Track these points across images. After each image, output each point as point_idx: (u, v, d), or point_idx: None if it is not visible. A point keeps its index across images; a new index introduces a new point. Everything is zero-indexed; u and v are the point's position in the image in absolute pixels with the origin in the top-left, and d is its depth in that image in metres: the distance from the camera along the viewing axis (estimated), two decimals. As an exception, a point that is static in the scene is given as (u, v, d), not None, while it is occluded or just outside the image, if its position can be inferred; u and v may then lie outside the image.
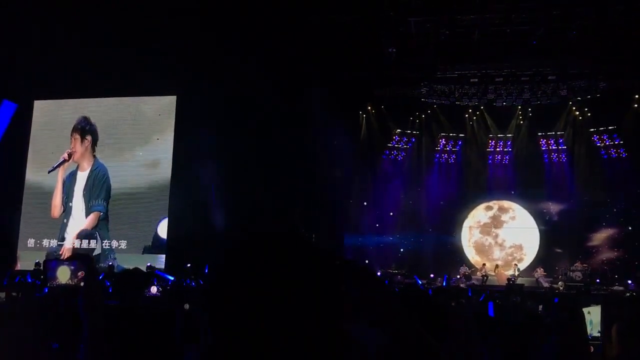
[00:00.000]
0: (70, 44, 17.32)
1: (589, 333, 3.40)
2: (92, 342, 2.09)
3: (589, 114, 20.61)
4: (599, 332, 3.04)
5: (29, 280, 10.29)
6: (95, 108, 20.98)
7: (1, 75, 18.34)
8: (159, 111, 20.69)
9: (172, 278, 14.86)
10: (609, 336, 2.46)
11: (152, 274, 16.05)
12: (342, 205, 21.10)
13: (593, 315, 3.07)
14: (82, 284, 2.13)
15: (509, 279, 18.55)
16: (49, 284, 2.16)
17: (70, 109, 21.25)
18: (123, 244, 19.90)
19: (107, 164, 20.58)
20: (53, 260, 2.20)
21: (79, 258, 2.21)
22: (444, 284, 17.64)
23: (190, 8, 16.27)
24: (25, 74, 18.73)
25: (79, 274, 2.15)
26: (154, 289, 7.40)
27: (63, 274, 2.15)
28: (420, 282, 18.24)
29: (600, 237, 20.39)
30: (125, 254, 19.61)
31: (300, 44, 17.48)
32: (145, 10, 15.77)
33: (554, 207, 21.42)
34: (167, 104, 20.57)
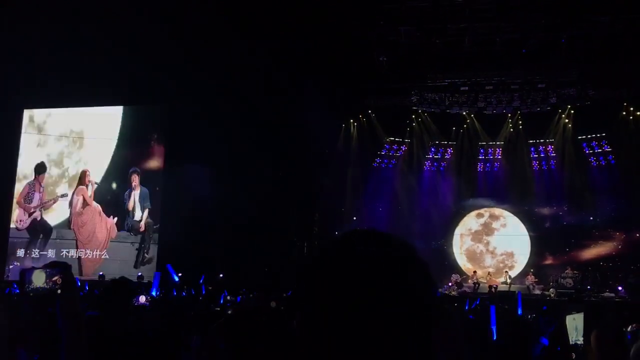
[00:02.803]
0: (61, 54, 17.31)
1: (574, 339, 3.42)
2: (71, 351, 2.08)
3: (578, 122, 20.74)
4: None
5: (16, 291, 10.21)
6: (85, 116, 20.98)
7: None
8: (151, 119, 20.73)
9: (177, 279, 14.79)
10: (589, 343, 2.49)
11: (139, 282, 15.96)
12: (333, 213, 21.10)
13: (578, 322, 3.09)
14: (59, 291, 2.11)
15: (490, 287, 18.61)
16: (25, 288, 2.14)
17: (62, 118, 21.29)
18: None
19: (99, 171, 20.62)
20: (30, 268, 2.19)
21: (57, 265, 2.20)
22: None
23: (186, 18, 16.32)
24: (18, 83, 18.71)
25: (55, 278, 2.14)
26: (142, 299, 7.36)
27: (38, 278, 2.14)
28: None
29: (590, 243, 20.49)
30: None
31: (291, 53, 17.54)
32: (137, 19, 15.78)
33: (544, 214, 21.52)
34: (159, 112, 20.60)
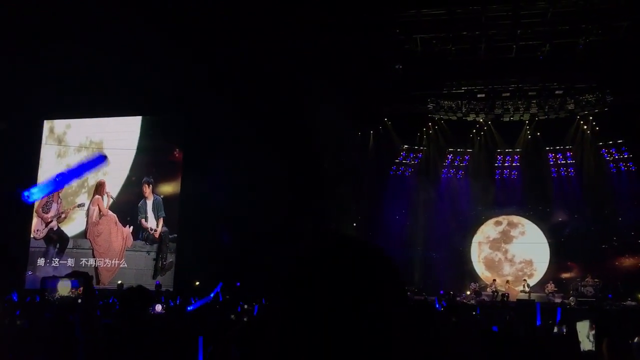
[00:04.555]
0: (80, 65, 17.57)
1: (590, 347, 3.40)
2: (88, 358, 2.12)
3: (597, 128, 20.52)
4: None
5: (37, 300, 10.35)
6: (104, 127, 21.27)
7: (14, 96, 18.63)
8: (169, 129, 20.94)
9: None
10: (601, 350, 2.47)
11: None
12: (350, 222, 21.06)
13: (590, 330, 3.07)
14: (79, 300, 2.16)
15: (503, 295, 18.42)
16: (47, 296, 2.20)
17: (81, 129, 21.62)
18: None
19: (110, 180, 20.89)
20: (51, 277, 2.25)
21: (78, 275, 2.25)
22: None
23: (204, 28, 16.47)
24: (38, 94, 19.01)
25: (78, 289, 2.19)
26: (158, 307, 7.42)
27: (63, 288, 2.19)
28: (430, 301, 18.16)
29: (610, 251, 20.20)
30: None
31: (307, 62, 17.60)
32: (154, 31, 15.98)
33: (563, 221, 21.26)
34: (176, 122, 20.80)
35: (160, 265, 19.87)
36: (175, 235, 20.01)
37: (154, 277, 19.62)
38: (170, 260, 19.82)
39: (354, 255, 1.01)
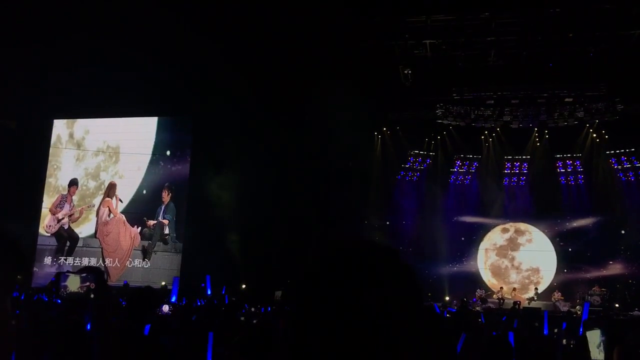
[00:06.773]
0: (88, 65, 17.68)
1: (599, 357, 3.38)
2: (101, 355, 2.12)
3: (606, 136, 20.40)
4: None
5: (45, 299, 10.39)
6: (121, 129, 21.47)
7: (24, 95, 18.77)
8: (176, 131, 21.05)
9: (210, 292, 15.06)
10: (612, 359, 2.46)
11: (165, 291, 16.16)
12: (356, 227, 21.03)
13: (599, 338, 3.06)
14: (92, 295, 2.17)
15: (515, 303, 18.33)
16: (61, 294, 2.21)
17: (99, 134, 21.89)
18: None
19: (126, 182, 20.99)
20: (65, 272, 2.26)
21: (91, 271, 2.26)
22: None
23: (213, 32, 16.53)
24: (47, 94, 19.13)
25: (90, 284, 2.20)
26: (166, 308, 7.43)
27: (73, 283, 2.20)
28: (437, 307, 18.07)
29: (618, 260, 20.06)
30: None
31: (316, 66, 17.62)
32: (163, 32, 16.05)
33: (571, 229, 21.12)
34: (184, 123, 20.91)
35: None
36: (175, 235, 20.26)
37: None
38: (177, 261, 19.99)
39: (370, 260, 1.01)
